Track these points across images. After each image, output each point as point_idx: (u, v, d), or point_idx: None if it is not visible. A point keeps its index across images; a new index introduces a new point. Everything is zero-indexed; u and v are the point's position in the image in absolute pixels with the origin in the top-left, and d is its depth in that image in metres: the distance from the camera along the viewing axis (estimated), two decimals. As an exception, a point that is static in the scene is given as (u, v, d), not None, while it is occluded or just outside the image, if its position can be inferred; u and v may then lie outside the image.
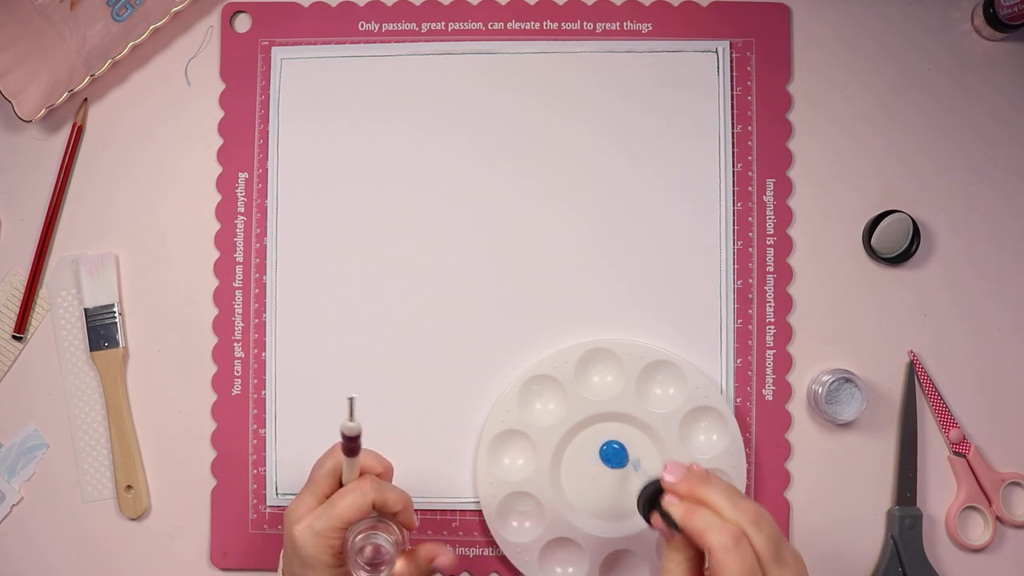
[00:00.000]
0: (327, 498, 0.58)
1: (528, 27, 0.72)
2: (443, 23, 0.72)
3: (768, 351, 0.70)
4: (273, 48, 0.73)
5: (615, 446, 0.69)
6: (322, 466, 0.59)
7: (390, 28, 0.73)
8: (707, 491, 0.53)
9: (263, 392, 0.71)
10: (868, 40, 0.71)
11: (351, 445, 0.56)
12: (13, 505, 0.72)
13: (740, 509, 0.52)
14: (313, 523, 0.56)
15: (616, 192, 0.71)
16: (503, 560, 0.70)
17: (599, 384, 0.70)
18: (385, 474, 0.61)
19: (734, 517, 0.52)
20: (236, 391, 0.72)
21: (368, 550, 0.56)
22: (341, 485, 0.59)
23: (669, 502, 0.54)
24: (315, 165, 0.72)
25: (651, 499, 0.56)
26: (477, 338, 0.71)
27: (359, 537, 0.56)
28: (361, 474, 0.59)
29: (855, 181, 0.71)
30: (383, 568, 0.56)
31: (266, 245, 0.72)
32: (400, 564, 0.59)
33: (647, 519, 0.57)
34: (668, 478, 0.55)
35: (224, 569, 0.72)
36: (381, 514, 0.58)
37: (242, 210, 0.72)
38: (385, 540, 0.56)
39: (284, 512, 0.59)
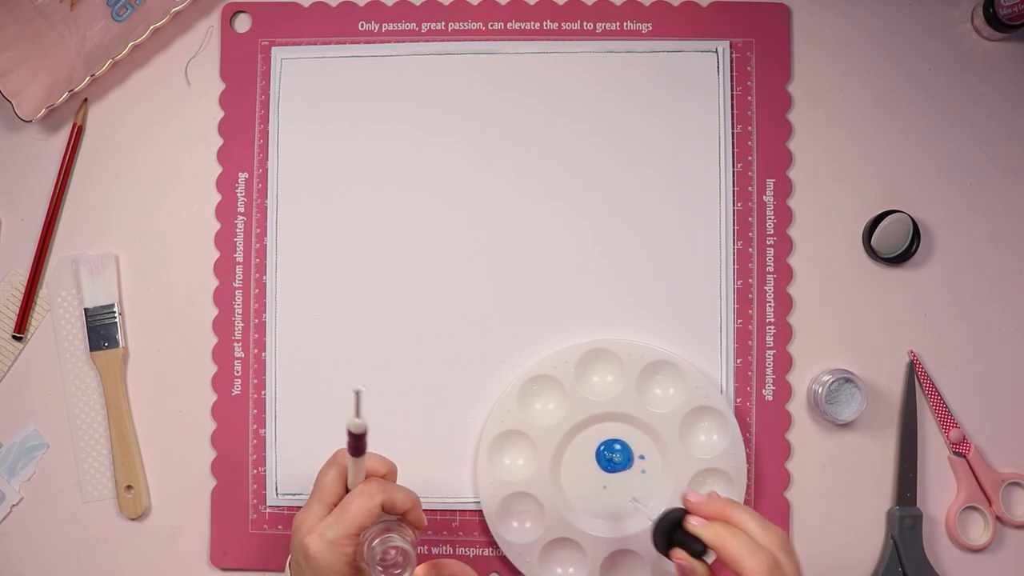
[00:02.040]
0: (335, 506, 0.58)
1: (528, 27, 0.72)
2: (443, 23, 0.72)
3: (768, 351, 0.70)
4: (273, 48, 0.73)
5: (609, 455, 0.69)
6: (326, 474, 0.59)
7: (390, 28, 0.73)
8: (737, 513, 0.53)
9: (263, 392, 0.71)
10: (868, 40, 0.71)
11: (357, 444, 0.54)
12: (13, 505, 0.72)
13: (770, 533, 0.52)
14: (325, 532, 0.56)
15: (616, 192, 0.71)
16: (503, 560, 0.70)
17: (599, 384, 0.70)
18: (389, 475, 0.60)
19: (766, 542, 0.52)
20: (236, 391, 0.72)
21: (391, 553, 0.55)
22: (347, 491, 0.59)
23: (697, 524, 0.53)
24: (315, 165, 0.72)
25: (669, 531, 0.54)
26: (477, 338, 0.71)
27: (376, 543, 0.55)
28: (366, 477, 0.59)
29: (855, 181, 0.71)
30: (405, 570, 0.55)
31: (266, 245, 0.72)
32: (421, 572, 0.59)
33: (666, 553, 0.54)
34: (692, 498, 0.54)
35: (224, 569, 0.72)
36: (390, 515, 0.58)
37: (242, 210, 0.72)
38: (401, 540, 0.55)
39: (293, 523, 0.58)
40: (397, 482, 0.61)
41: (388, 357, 0.71)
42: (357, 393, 0.52)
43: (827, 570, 0.70)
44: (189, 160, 0.73)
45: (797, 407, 0.70)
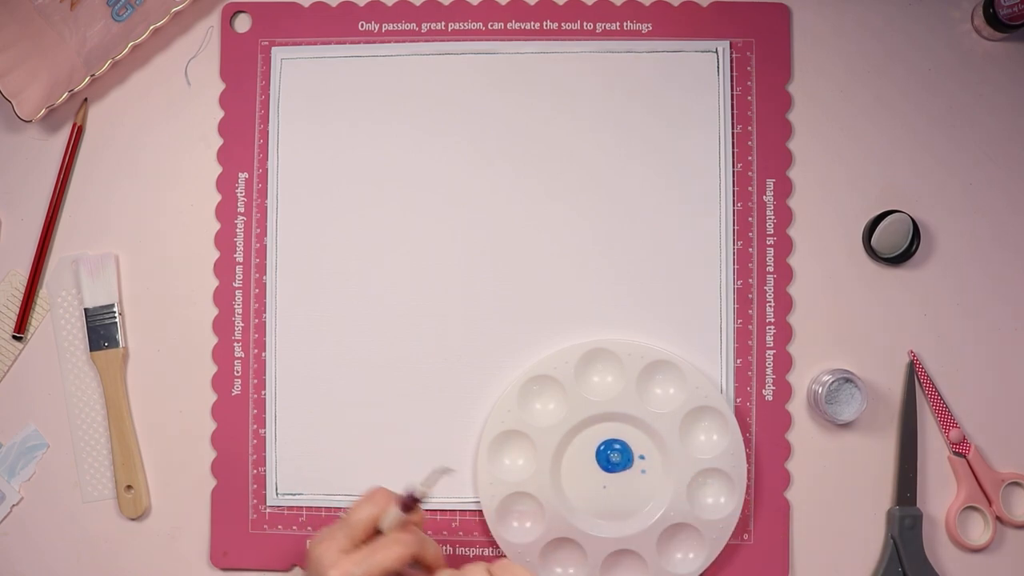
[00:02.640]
0: (362, 543, 0.57)
1: (528, 27, 0.72)
2: (443, 23, 0.72)
3: (768, 351, 0.70)
4: (273, 48, 0.73)
5: (610, 453, 0.69)
6: (360, 510, 0.58)
7: (390, 28, 0.73)
8: None
9: (263, 392, 0.71)
10: (868, 40, 0.71)
11: (412, 506, 0.56)
12: (13, 505, 0.72)
13: None
14: (351, 569, 0.55)
15: (616, 192, 0.71)
16: (503, 560, 0.70)
17: (599, 384, 0.70)
18: (420, 522, 0.60)
19: None
20: (236, 391, 0.72)
21: None
22: (376, 532, 0.58)
23: None
24: (315, 165, 0.72)
25: None
26: (477, 338, 0.71)
27: None
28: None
29: (855, 181, 0.71)
30: None
31: (266, 245, 0.72)
32: None
33: None
34: None
35: (224, 569, 0.72)
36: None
37: (242, 210, 0.72)
38: None
39: (310, 551, 0.58)
40: (396, 483, 0.61)
41: (388, 357, 0.71)
42: (443, 471, 0.56)
43: (827, 570, 0.70)
44: (189, 160, 0.73)
45: (797, 407, 0.70)
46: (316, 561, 0.57)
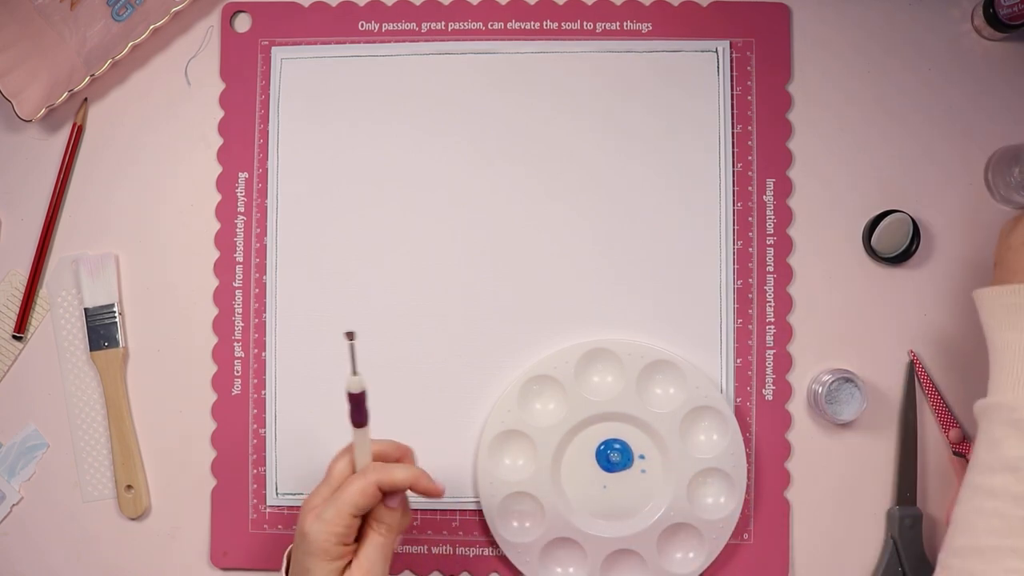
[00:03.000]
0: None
1: (528, 27, 0.72)
2: (443, 23, 0.72)
3: (768, 351, 0.70)
4: (273, 48, 0.73)
5: (610, 453, 0.69)
6: (338, 461, 0.60)
7: (390, 28, 0.73)
8: None
9: (263, 392, 0.71)
10: (868, 40, 0.71)
11: (358, 408, 0.54)
12: (13, 505, 0.72)
13: None
14: (322, 512, 0.57)
15: (616, 192, 0.71)
16: (503, 560, 0.70)
17: (599, 384, 0.70)
18: (404, 458, 0.62)
19: None
20: (236, 391, 0.72)
21: None
22: None
23: None
24: (315, 165, 0.72)
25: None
26: (477, 338, 0.71)
27: None
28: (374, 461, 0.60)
29: (855, 181, 0.71)
30: None
31: (266, 245, 0.72)
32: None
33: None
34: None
35: (224, 569, 0.72)
36: (394, 493, 0.58)
37: (242, 210, 0.72)
38: None
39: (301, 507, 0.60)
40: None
41: (388, 357, 0.71)
42: (350, 341, 0.48)
43: (827, 570, 0.70)
44: (189, 160, 0.73)
45: (797, 407, 0.70)
46: (300, 514, 0.59)
